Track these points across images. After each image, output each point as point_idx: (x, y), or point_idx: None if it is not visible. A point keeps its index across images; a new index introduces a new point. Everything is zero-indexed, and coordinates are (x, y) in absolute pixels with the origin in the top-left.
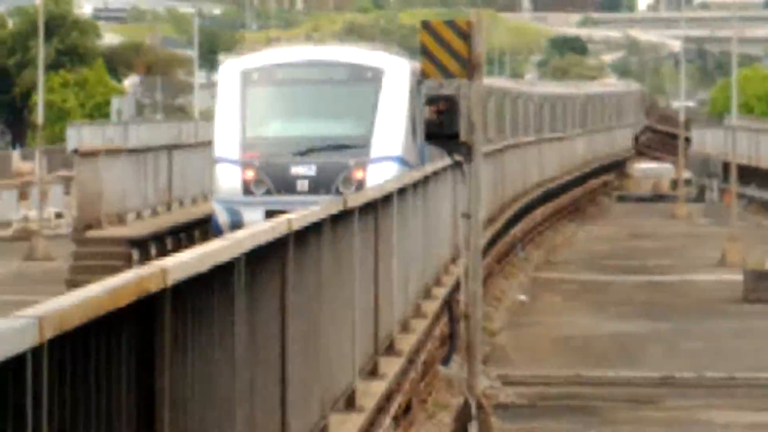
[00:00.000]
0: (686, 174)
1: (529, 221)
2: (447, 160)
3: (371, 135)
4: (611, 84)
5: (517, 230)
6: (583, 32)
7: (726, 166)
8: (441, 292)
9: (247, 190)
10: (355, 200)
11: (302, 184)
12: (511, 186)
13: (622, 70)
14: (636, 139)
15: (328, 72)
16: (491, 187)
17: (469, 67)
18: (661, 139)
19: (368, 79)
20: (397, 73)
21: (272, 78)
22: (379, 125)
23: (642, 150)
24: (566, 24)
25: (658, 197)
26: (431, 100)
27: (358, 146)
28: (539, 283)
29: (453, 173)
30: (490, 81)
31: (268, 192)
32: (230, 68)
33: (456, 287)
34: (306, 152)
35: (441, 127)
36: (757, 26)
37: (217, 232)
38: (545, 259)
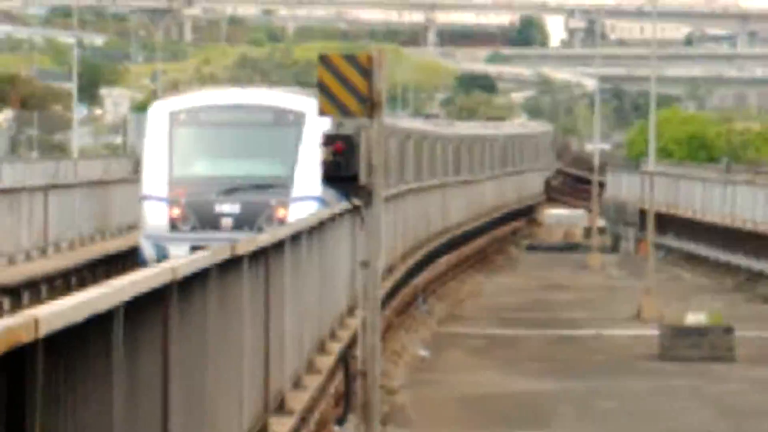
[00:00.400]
0: (600, 222)
1: (433, 271)
2: (346, 204)
3: (292, 175)
4: (522, 125)
5: (419, 280)
6: (492, 69)
7: (642, 214)
8: (337, 347)
9: (173, 226)
10: (244, 247)
11: (226, 222)
12: (414, 233)
13: (533, 110)
14: (547, 183)
15: (253, 115)
16: (392, 234)
17: (369, 105)
18: (573, 183)
19: (290, 122)
20: (317, 117)
21: (199, 119)
22: (299, 166)
23: (553, 195)
24: (474, 60)
25: (570, 246)
26: (328, 140)
27: (279, 186)
28: (442, 337)
29: (352, 218)
30: (393, 120)
31: (194, 229)
32: (159, 109)
33: (353, 341)
34: (230, 191)
35: (339, 169)
36: (677, 65)
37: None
38: (449, 312)
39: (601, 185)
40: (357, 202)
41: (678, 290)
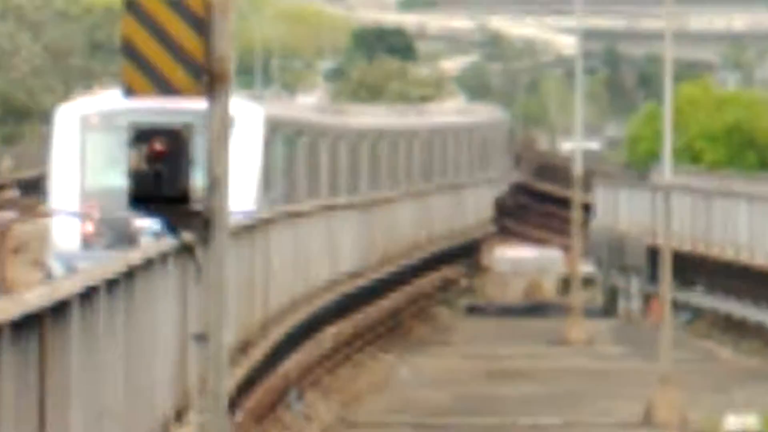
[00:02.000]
0: (585, 267)
1: (314, 349)
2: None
3: None
4: (458, 110)
5: (291, 365)
6: (409, 20)
7: (654, 255)
8: None
9: (86, 243)
10: (4, 312)
11: (146, 239)
12: (281, 287)
13: (475, 86)
14: (500, 205)
15: (176, 119)
16: (245, 289)
17: (207, 79)
18: (541, 205)
19: None
20: (250, 121)
21: (114, 124)
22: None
23: (509, 225)
24: (381, 6)
25: (535, 308)
26: (139, 137)
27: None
28: None
29: (180, 264)
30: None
31: (110, 246)
32: (68, 113)
33: None
34: None
35: (157, 184)
36: (709, 12)
37: None
38: (339, 416)
39: (587, 208)
40: (188, 238)
41: (712, 377)
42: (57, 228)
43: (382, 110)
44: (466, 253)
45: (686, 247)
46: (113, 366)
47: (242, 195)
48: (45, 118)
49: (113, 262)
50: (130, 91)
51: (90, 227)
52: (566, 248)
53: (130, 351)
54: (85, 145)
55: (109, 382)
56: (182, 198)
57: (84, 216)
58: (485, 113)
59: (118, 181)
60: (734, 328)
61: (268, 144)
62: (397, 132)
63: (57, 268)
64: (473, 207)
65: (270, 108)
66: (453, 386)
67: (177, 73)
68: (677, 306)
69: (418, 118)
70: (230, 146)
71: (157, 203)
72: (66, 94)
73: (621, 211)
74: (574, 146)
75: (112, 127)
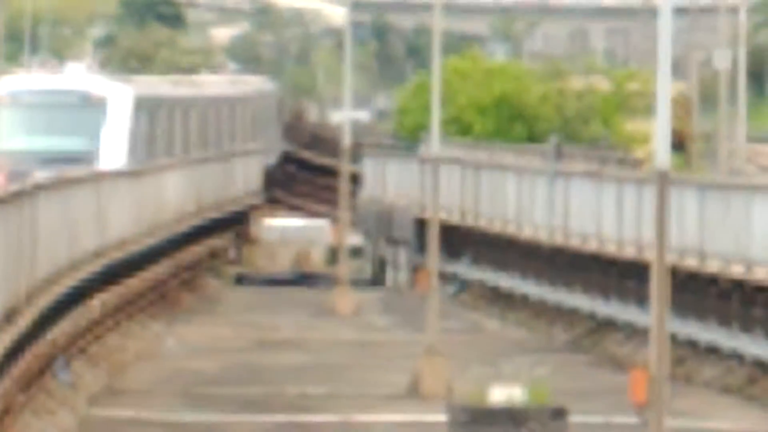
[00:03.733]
0: (353, 238)
1: (80, 318)
2: None
3: (98, 149)
4: (228, 81)
5: (57, 333)
6: None
7: (421, 226)
8: None
9: None
10: None
11: None
12: (46, 256)
13: (245, 56)
14: (268, 175)
15: (64, 98)
16: (11, 257)
17: None
18: (310, 176)
19: (96, 104)
20: (120, 99)
21: (20, 101)
22: (104, 142)
23: (278, 195)
24: None
25: (303, 278)
26: None
27: (88, 160)
28: (96, 425)
29: None
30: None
31: None
32: None
33: None
34: (47, 162)
35: None
36: None
37: None
38: (107, 385)
39: (355, 179)
40: None
41: (479, 348)
42: None
43: (148, 80)
44: (233, 223)
45: (455, 219)
46: None
47: (115, 155)
48: None
49: None
50: None
51: (1, 178)
52: (335, 219)
53: None
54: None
55: None
56: None
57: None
58: (254, 84)
59: (22, 144)
60: (501, 299)
61: (134, 115)
62: (159, 101)
63: None
64: (241, 177)
65: (136, 87)
66: (221, 355)
67: None
68: (445, 278)
69: (185, 89)
70: (107, 118)
71: None
72: None
73: (389, 182)
74: (343, 117)
75: (17, 103)
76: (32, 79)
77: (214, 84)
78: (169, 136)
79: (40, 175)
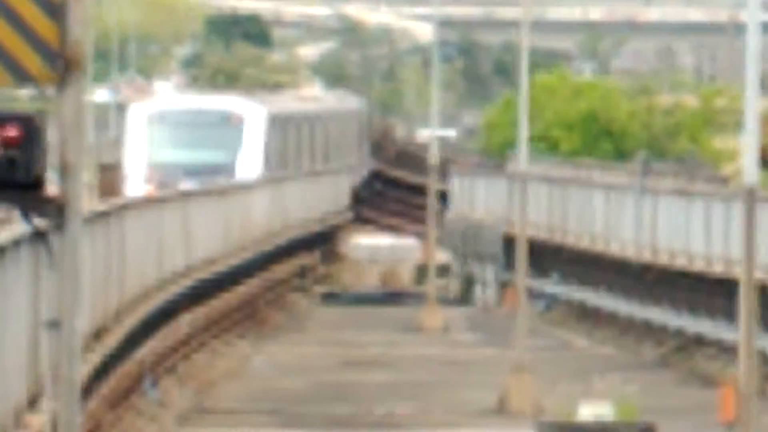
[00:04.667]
0: (441, 256)
1: (168, 336)
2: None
3: (236, 162)
4: (313, 98)
5: (146, 352)
6: (265, 6)
7: (510, 244)
8: None
9: None
10: None
11: None
12: (135, 274)
13: (332, 74)
14: (356, 193)
15: (207, 116)
16: (101, 276)
17: (62, 65)
18: (398, 193)
19: (235, 121)
20: (256, 117)
21: (168, 119)
22: (242, 155)
23: (366, 213)
24: None
25: (391, 296)
26: None
27: (228, 171)
28: None
29: (32, 250)
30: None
31: None
32: (138, 110)
33: None
34: (191, 174)
35: (12, 170)
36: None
37: None
38: (195, 403)
39: (443, 197)
40: (41, 223)
41: (567, 366)
42: (129, 189)
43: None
44: (321, 241)
45: (542, 235)
46: None
47: (251, 167)
48: None
49: None
50: None
51: (152, 188)
52: (423, 236)
53: None
54: (152, 133)
55: None
56: (36, 184)
57: (148, 180)
58: (341, 101)
59: (171, 157)
60: (589, 316)
61: (268, 131)
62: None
63: None
64: (328, 195)
65: (269, 106)
66: (308, 374)
67: (30, 59)
68: (533, 294)
69: (267, 105)
70: (244, 134)
71: (10, 189)
72: None
73: (477, 199)
74: (430, 134)
75: (166, 122)
76: (179, 99)
77: (328, 101)
78: (298, 148)
79: (186, 185)
